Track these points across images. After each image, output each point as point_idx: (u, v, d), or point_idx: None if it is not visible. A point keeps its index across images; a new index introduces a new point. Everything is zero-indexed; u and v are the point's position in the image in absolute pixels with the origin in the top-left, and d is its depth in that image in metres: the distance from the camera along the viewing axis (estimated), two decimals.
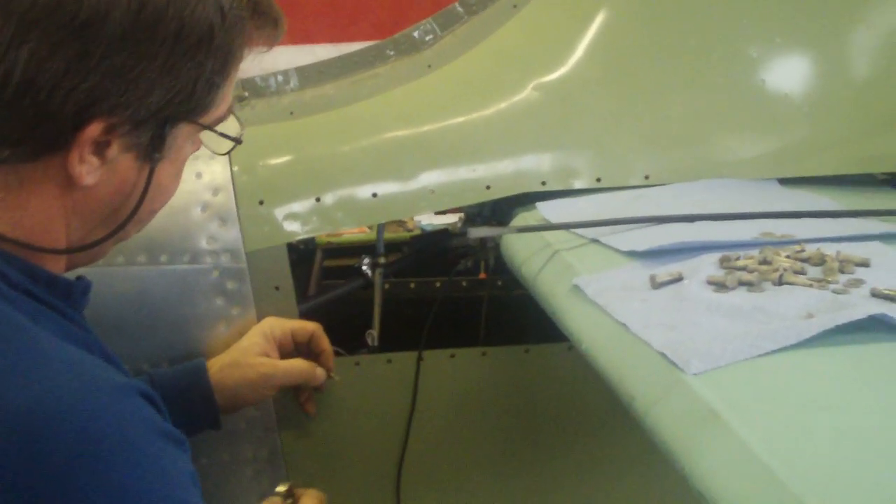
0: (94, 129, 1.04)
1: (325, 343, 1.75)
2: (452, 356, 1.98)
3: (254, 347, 1.64)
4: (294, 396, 1.79)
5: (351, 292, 1.95)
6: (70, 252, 1.14)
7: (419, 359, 1.95)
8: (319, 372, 1.72)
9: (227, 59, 1.13)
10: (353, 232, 2.32)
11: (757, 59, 1.95)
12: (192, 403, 1.55)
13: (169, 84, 1.07)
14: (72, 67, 1.01)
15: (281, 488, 1.59)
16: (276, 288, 1.78)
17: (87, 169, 1.07)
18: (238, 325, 1.72)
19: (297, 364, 1.69)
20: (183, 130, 1.15)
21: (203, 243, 1.71)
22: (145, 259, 1.66)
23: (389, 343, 1.93)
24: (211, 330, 1.71)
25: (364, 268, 1.96)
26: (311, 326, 1.73)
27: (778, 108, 1.95)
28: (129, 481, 0.95)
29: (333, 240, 2.33)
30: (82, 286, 1.18)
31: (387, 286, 2.00)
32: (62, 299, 1.12)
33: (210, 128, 1.18)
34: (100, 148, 1.07)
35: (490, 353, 1.99)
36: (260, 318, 1.74)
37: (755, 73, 1.95)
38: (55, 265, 1.14)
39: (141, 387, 1.03)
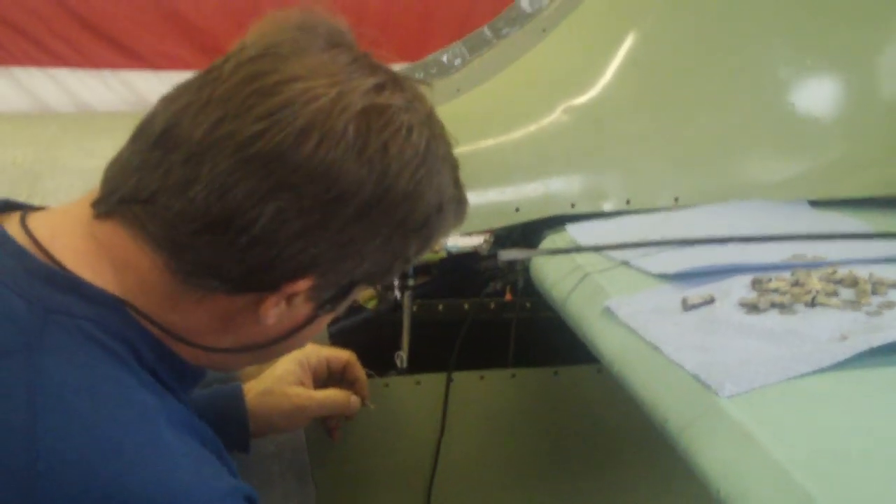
0: (303, 285, 1.09)
1: (359, 371, 1.73)
2: (482, 378, 1.98)
3: (289, 376, 1.63)
4: (322, 422, 1.79)
5: (380, 314, 1.95)
6: (207, 349, 1.16)
7: (448, 380, 1.95)
8: (354, 401, 1.70)
9: (426, 245, 1.18)
10: None
11: (787, 81, 1.95)
12: (227, 426, 1.54)
13: (377, 259, 1.12)
14: (308, 232, 1.05)
15: None
16: None
17: (274, 311, 1.11)
18: None
19: (332, 395, 1.68)
20: (359, 289, 1.19)
21: None
22: None
23: (418, 365, 1.93)
24: None
25: (393, 290, 1.97)
26: (345, 355, 1.72)
27: (808, 129, 1.95)
28: None
29: None
30: (196, 372, 1.20)
31: (415, 308, 2.00)
32: (176, 380, 1.14)
33: (375, 287, 1.23)
34: (290, 297, 1.11)
35: (519, 374, 1.99)
36: None
37: (785, 95, 1.95)
38: (187, 357, 1.17)
39: (247, 490, 1.06)
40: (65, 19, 4.82)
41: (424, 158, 1.09)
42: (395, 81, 1.10)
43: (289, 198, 1.02)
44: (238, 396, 1.57)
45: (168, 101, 1.08)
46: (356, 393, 1.71)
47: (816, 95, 1.98)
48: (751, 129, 1.95)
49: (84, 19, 4.81)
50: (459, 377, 1.96)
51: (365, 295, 1.77)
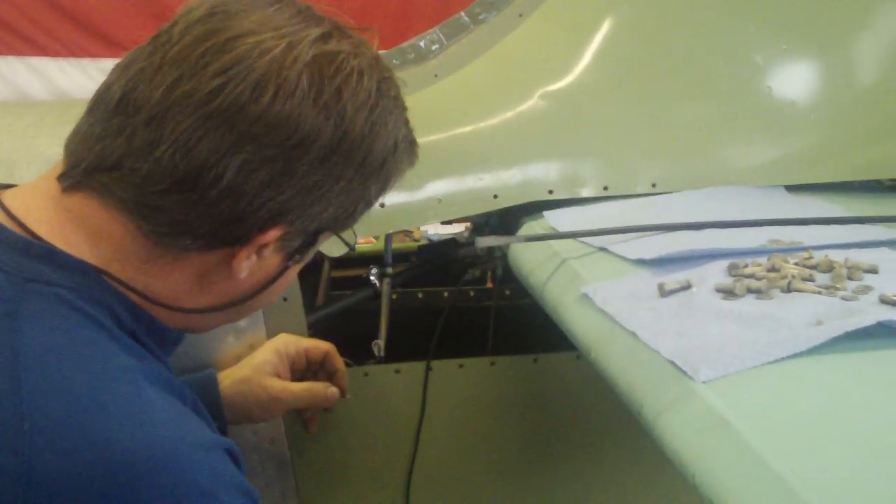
0: (272, 235, 1.13)
1: (338, 362, 1.74)
2: (461, 366, 1.98)
3: (266, 366, 1.64)
4: (298, 412, 1.78)
5: (359, 303, 1.95)
6: (185, 311, 1.20)
7: (428, 369, 1.95)
8: (332, 392, 1.71)
9: (385, 186, 1.24)
10: (360, 242, 2.32)
11: (763, 67, 1.95)
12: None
13: (342, 203, 1.17)
14: (274, 181, 1.09)
15: None
16: (284, 299, 1.78)
17: (246, 265, 1.15)
18: (247, 337, 1.71)
19: (310, 387, 1.68)
20: (324, 236, 1.24)
21: None
22: None
23: (398, 353, 1.93)
24: (220, 342, 1.70)
25: (372, 278, 1.96)
26: (324, 346, 1.73)
27: (784, 115, 1.95)
28: None
29: None
30: (175, 335, 1.24)
31: (394, 296, 1.99)
32: (157, 344, 1.17)
33: (340, 236, 1.28)
34: (260, 248, 1.15)
35: (498, 362, 1.99)
36: (269, 329, 1.73)
37: (762, 81, 1.95)
38: (166, 319, 1.20)
39: (228, 444, 1.09)
40: (45, 9, 4.82)
41: (377, 100, 1.15)
42: (340, 30, 1.15)
43: (252, 149, 1.07)
44: (212, 384, 1.58)
45: (122, 68, 1.11)
46: (335, 384, 1.71)
47: (793, 81, 1.98)
48: (728, 115, 1.95)
49: (64, 9, 4.80)
50: (439, 365, 1.96)
51: None
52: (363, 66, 1.14)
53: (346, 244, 1.35)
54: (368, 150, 1.15)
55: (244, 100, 1.05)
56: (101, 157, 1.08)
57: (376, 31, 1.23)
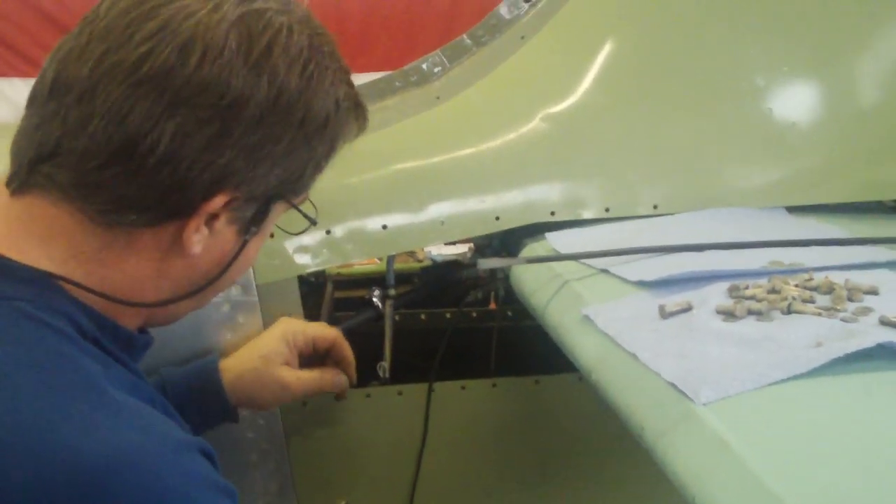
0: (218, 202, 1.12)
1: (346, 350, 1.74)
2: (463, 388, 1.98)
3: (275, 356, 1.63)
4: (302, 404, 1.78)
5: (361, 324, 1.95)
6: (149, 306, 1.19)
7: (430, 390, 1.95)
8: (340, 380, 1.72)
9: (332, 147, 1.23)
10: (363, 263, 2.32)
11: (764, 88, 1.96)
12: (206, 402, 1.55)
13: (287, 164, 1.17)
14: (212, 143, 1.09)
15: None
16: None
17: (197, 238, 1.14)
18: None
19: (319, 376, 1.69)
20: (278, 208, 1.23)
21: None
22: None
23: (400, 374, 1.93)
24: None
25: (374, 299, 1.96)
26: (332, 334, 1.73)
27: (785, 136, 1.95)
28: None
29: (343, 271, 2.33)
30: (143, 340, 1.23)
31: (397, 317, 2.00)
32: (123, 350, 1.16)
33: (297, 207, 1.27)
34: (210, 219, 1.14)
35: (500, 384, 1.99)
36: None
37: (762, 102, 1.95)
38: (131, 320, 1.20)
39: (200, 444, 1.08)
40: (50, 32, 4.83)
41: (311, 54, 1.15)
42: None
43: (185, 112, 1.06)
44: (213, 370, 1.58)
45: (53, 54, 1.12)
46: (343, 372, 1.72)
47: (793, 102, 1.98)
48: (729, 137, 1.95)
49: (68, 30, 4.81)
50: (441, 387, 1.96)
51: None
52: (292, 22, 1.14)
53: (307, 217, 1.33)
54: (307, 106, 1.15)
55: (172, 63, 1.06)
56: (41, 146, 1.08)
57: None
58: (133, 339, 1.20)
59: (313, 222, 1.36)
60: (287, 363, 1.65)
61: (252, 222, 1.20)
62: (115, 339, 1.15)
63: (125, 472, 0.96)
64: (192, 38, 1.07)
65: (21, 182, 1.10)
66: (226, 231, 1.18)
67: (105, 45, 1.07)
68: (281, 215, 1.29)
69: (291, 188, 1.21)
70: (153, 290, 1.18)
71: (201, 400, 1.55)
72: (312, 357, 1.71)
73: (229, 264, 1.22)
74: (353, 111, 1.25)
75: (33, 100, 1.12)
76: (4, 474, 0.94)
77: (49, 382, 1.00)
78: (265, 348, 1.64)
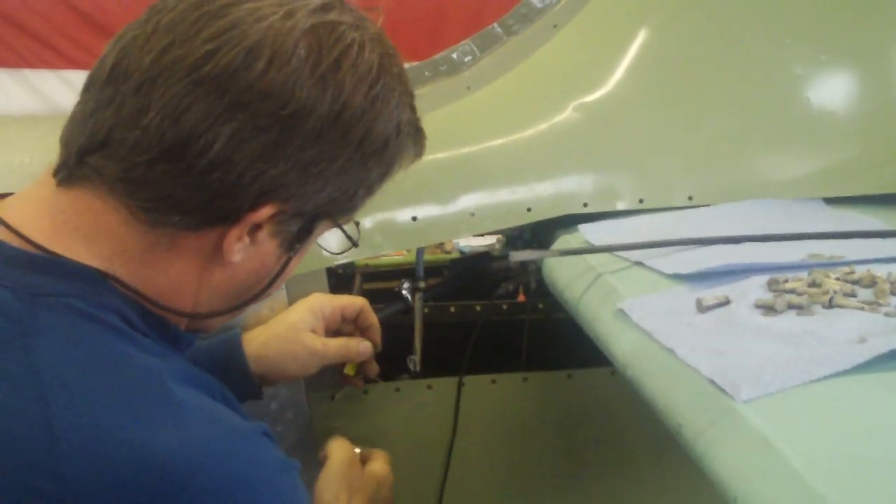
0: (265, 213, 1.09)
1: (372, 317, 1.73)
2: (493, 381, 1.96)
3: (302, 324, 1.63)
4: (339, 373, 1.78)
5: (390, 317, 1.93)
6: (191, 317, 1.19)
7: (460, 384, 1.93)
8: (365, 346, 1.71)
9: (387, 171, 1.20)
10: (391, 254, 2.31)
11: (802, 77, 1.93)
12: (229, 375, 1.54)
13: (339, 184, 1.14)
14: (267, 153, 1.06)
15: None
16: None
17: (238, 247, 1.12)
18: None
19: (344, 342, 1.69)
20: (323, 226, 1.21)
21: None
22: None
23: (429, 368, 1.91)
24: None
25: (404, 292, 1.94)
26: (359, 301, 1.72)
27: (823, 126, 1.93)
28: None
29: (371, 263, 2.32)
30: (188, 338, 1.22)
31: (426, 310, 1.98)
32: (171, 346, 1.16)
33: (342, 227, 1.24)
34: (253, 229, 1.12)
35: (532, 378, 1.97)
36: None
37: (800, 92, 1.93)
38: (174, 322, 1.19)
39: (262, 427, 1.09)
40: (76, 22, 4.84)
41: (379, 74, 1.12)
42: (341, 2, 1.12)
43: (244, 117, 1.04)
44: (236, 344, 1.58)
45: (115, 40, 1.09)
46: (368, 338, 1.72)
47: (832, 92, 1.96)
48: (765, 127, 1.93)
49: (96, 22, 4.82)
50: (471, 381, 1.94)
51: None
52: (365, 39, 1.11)
53: (349, 238, 1.30)
54: (368, 127, 1.11)
55: (236, 66, 1.03)
56: (93, 134, 1.06)
57: (381, 10, 1.20)
58: (179, 336, 1.19)
59: (355, 244, 1.33)
60: (313, 331, 1.64)
61: (296, 239, 1.17)
62: (163, 335, 1.14)
63: (199, 467, 0.97)
64: (261, 42, 1.04)
65: (69, 172, 1.08)
66: (267, 243, 1.15)
67: (170, 37, 1.04)
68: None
69: (340, 208, 1.18)
70: (192, 298, 1.16)
71: (224, 374, 1.53)
72: (340, 332, 1.71)
73: (272, 281, 1.21)
74: (413, 136, 1.22)
75: (90, 85, 1.09)
76: (78, 477, 0.93)
77: (110, 380, 1.00)
78: (291, 316, 1.64)
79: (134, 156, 1.04)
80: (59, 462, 0.93)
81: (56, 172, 1.09)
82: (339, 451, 1.63)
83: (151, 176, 1.05)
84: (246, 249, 1.13)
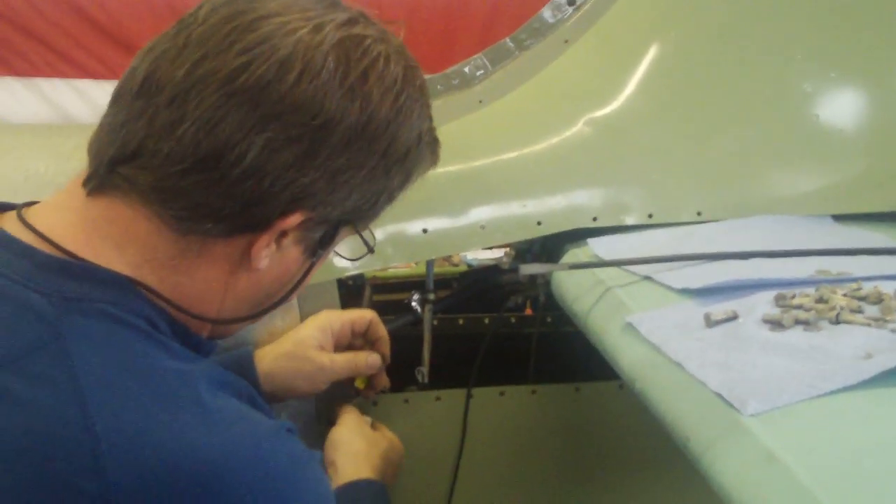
0: (294, 220, 1.12)
1: (381, 330, 1.75)
2: (502, 394, 1.97)
3: (310, 340, 1.65)
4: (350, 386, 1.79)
5: (400, 328, 1.94)
6: (216, 322, 1.21)
7: (468, 396, 1.94)
8: (373, 359, 1.72)
9: (407, 179, 1.24)
10: (400, 267, 2.32)
11: (811, 94, 1.94)
12: None
13: (364, 191, 1.17)
14: (298, 162, 1.09)
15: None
16: None
17: (266, 253, 1.15)
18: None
19: (353, 356, 1.71)
20: (345, 232, 1.24)
21: None
22: None
23: (438, 380, 1.92)
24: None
25: (413, 304, 1.95)
26: (368, 314, 1.74)
27: (832, 143, 1.93)
28: None
29: (380, 275, 2.33)
30: (210, 346, 1.25)
31: (435, 322, 1.99)
32: (192, 352, 1.17)
33: (360, 234, 1.27)
34: (280, 237, 1.15)
35: (540, 390, 1.98)
36: None
37: (809, 108, 1.93)
38: (196, 330, 1.21)
39: (286, 424, 1.12)
40: (88, 31, 4.85)
41: (403, 86, 1.15)
42: (365, 16, 1.16)
43: (276, 128, 1.06)
44: (248, 362, 1.60)
45: (145, 52, 1.11)
46: (377, 351, 1.74)
47: (840, 109, 1.96)
48: (774, 143, 1.93)
49: (107, 31, 4.83)
50: (479, 393, 1.95)
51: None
52: (389, 52, 1.14)
53: (366, 244, 1.32)
54: (393, 136, 1.15)
55: (269, 78, 1.06)
56: (124, 145, 1.08)
57: (403, 23, 1.23)
58: (202, 345, 1.21)
59: (371, 250, 1.36)
60: (321, 347, 1.66)
61: (320, 244, 1.21)
62: (186, 343, 1.16)
63: (241, 465, 1.00)
64: (292, 55, 1.07)
65: (100, 182, 1.10)
66: (291, 249, 1.18)
67: (203, 50, 1.06)
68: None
69: (362, 216, 1.22)
70: (217, 304, 1.19)
71: None
72: (353, 346, 1.73)
73: (296, 286, 1.25)
74: (431, 146, 1.26)
75: (119, 97, 1.11)
76: (121, 477, 0.95)
77: (147, 383, 1.02)
78: (300, 333, 1.67)
79: (168, 166, 1.06)
80: (101, 462, 0.95)
81: (86, 182, 1.11)
82: (351, 412, 1.70)
83: (185, 185, 1.07)
84: (272, 256, 1.16)
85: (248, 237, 1.13)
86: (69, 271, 1.07)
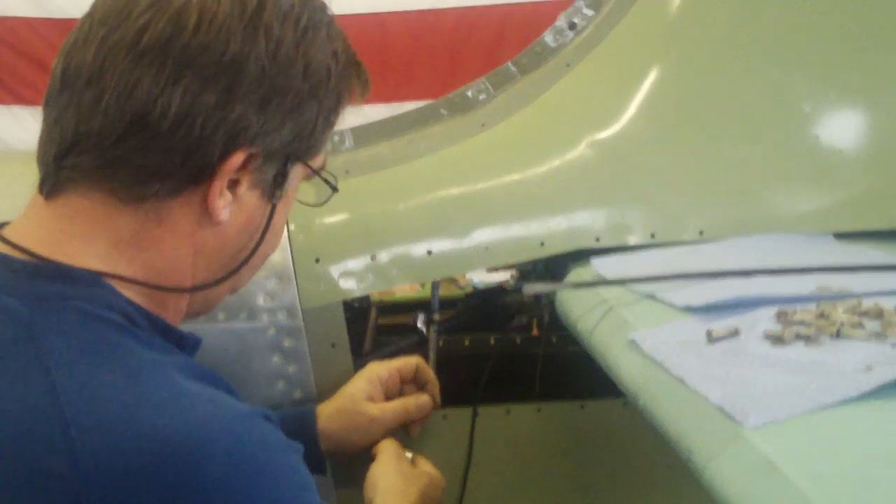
0: (237, 159, 1.15)
1: (429, 373, 1.80)
2: (508, 412, 1.98)
3: (359, 393, 1.69)
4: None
5: (406, 349, 1.96)
6: (192, 290, 1.23)
7: (474, 414, 1.95)
8: (423, 401, 1.76)
9: (338, 101, 1.26)
10: (405, 289, 2.33)
11: (811, 114, 1.95)
12: None
13: (297, 118, 1.20)
14: (220, 100, 1.12)
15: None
16: (333, 345, 1.80)
17: (223, 203, 1.17)
18: (295, 384, 1.73)
19: (403, 403, 1.74)
20: (298, 171, 1.26)
21: (260, 301, 1.72)
22: (203, 317, 1.68)
23: (444, 399, 1.93)
24: (268, 388, 1.72)
25: (419, 324, 1.97)
26: (413, 360, 1.78)
27: (832, 162, 1.95)
28: (277, 494, 1.07)
29: (386, 298, 2.34)
30: (193, 340, 1.26)
31: (441, 343, 2.00)
32: (174, 346, 1.20)
33: (316, 171, 1.30)
34: (232, 184, 1.18)
35: (545, 409, 1.99)
36: (317, 376, 1.75)
37: (809, 129, 1.94)
38: (176, 309, 1.24)
39: (263, 411, 1.13)
40: None
41: (302, 9, 1.20)
42: None
43: (190, 74, 1.10)
44: (310, 419, 1.64)
45: (59, 53, 1.16)
46: (429, 394, 1.78)
47: (841, 128, 1.97)
48: (775, 163, 1.95)
49: None
50: (485, 411, 1.96)
51: None
52: None
53: (328, 183, 1.36)
54: (306, 58, 1.18)
55: (170, 31, 1.10)
56: (62, 138, 1.12)
57: None
58: (184, 338, 1.23)
59: (334, 189, 1.38)
60: (371, 398, 1.69)
61: (275, 185, 1.23)
62: (166, 338, 1.18)
63: (208, 447, 1.01)
64: (187, 5, 1.11)
65: (52, 183, 1.14)
66: (250, 196, 1.21)
67: (106, 27, 1.11)
68: (301, 191, 1.32)
69: (305, 145, 1.24)
70: (190, 270, 1.21)
71: None
72: (403, 393, 1.78)
73: (262, 235, 1.25)
74: (354, 67, 1.28)
75: (47, 100, 1.16)
76: (92, 459, 0.97)
77: (117, 371, 1.04)
78: (350, 388, 1.70)
79: (103, 140, 1.10)
80: (72, 446, 0.97)
81: (41, 188, 1.15)
82: (390, 445, 1.69)
83: (123, 153, 1.11)
84: (230, 206, 1.18)
85: (201, 190, 1.15)
86: (42, 274, 1.10)
